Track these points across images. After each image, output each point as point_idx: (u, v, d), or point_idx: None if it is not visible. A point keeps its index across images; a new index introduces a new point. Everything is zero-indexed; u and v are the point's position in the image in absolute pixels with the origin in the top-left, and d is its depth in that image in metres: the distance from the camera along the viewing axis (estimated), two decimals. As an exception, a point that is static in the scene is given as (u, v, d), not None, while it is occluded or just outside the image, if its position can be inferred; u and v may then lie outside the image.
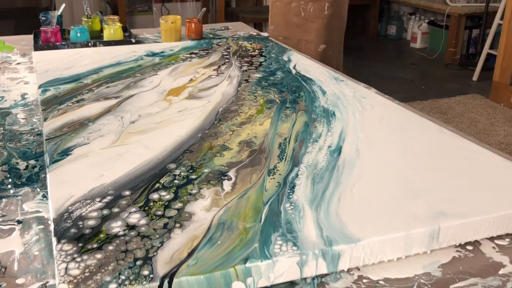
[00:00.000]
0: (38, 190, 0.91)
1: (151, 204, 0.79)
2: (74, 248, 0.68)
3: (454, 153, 0.98)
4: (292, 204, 0.80)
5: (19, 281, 0.69)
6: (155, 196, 0.81)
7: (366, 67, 4.29)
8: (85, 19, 2.02)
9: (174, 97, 1.26)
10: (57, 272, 0.64)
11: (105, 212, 0.77)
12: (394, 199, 0.81)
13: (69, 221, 0.74)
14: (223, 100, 1.24)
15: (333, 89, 1.33)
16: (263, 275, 0.67)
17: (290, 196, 0.82)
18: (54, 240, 0.71)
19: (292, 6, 2.00)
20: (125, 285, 0.62)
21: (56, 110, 1.16)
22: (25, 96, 1.35)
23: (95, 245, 0.69)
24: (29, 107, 1.27)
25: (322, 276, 0.71)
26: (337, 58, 2.06)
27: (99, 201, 0.79)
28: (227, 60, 1.58)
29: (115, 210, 0.77)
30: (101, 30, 2.01)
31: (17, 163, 1.00)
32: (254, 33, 2.06)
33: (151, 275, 0.63)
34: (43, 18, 1.97)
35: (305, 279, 0.70)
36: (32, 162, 1.00)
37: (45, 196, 0.88)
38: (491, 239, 0.79)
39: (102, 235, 0.71)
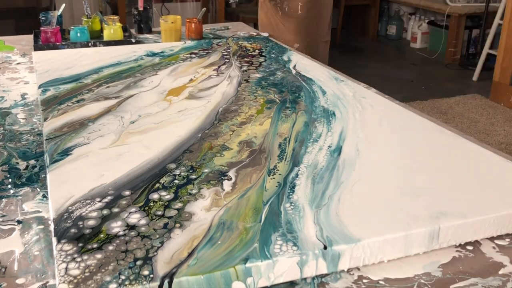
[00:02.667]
0: (38, 190, 0.91)
1: (151, 204, 0.79)
2: (74, 248, 0.68)
3: (454, 153, 0.98)
4: (292, 204, 0.80)
5: (19, 281, 0.69)
6: (155, 196, 0.81)
7: (366, 67, 4.28)
8: (85, 19, 2.02)
9: (174, 97, 1.26)
10: (57, 272, 0.64)
11: (105, 212, 0.77)
12: (394, 199, 0.81)
13: (69, 221, 0.74)
14: (223, 100, 1.24)
15: (333, 89, 1.33)
16: (263, 275, 0.67)
17: (290, 196, 0.82)
18: (54, 240, 0.71)
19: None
20: (125, 285, 0.62)
21: (56, 110, 1.16)
22: (25, 96, 1.35)
23: (95, 245, 0.69)
24: (29, 107, 1.27)
25: (322, 276, 0.71)
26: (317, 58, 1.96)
27: (99, 201, 0.79)
28: (227, 60, 1.58)
29: (115, 210, 0.77)
30: (101, 30, 2.01)
31: (17, 163, 1.00)
32: (254, 33, 2.06)
33: (151, 275, 0.63)
34: (43, 18, 1.97)
35: (305, 279, 0.70)
36: (32, 162, 1.00)
37: (45, 196, 0.88)
38: (491, 239, 0.79)
39: (102, 235, 0.71)
